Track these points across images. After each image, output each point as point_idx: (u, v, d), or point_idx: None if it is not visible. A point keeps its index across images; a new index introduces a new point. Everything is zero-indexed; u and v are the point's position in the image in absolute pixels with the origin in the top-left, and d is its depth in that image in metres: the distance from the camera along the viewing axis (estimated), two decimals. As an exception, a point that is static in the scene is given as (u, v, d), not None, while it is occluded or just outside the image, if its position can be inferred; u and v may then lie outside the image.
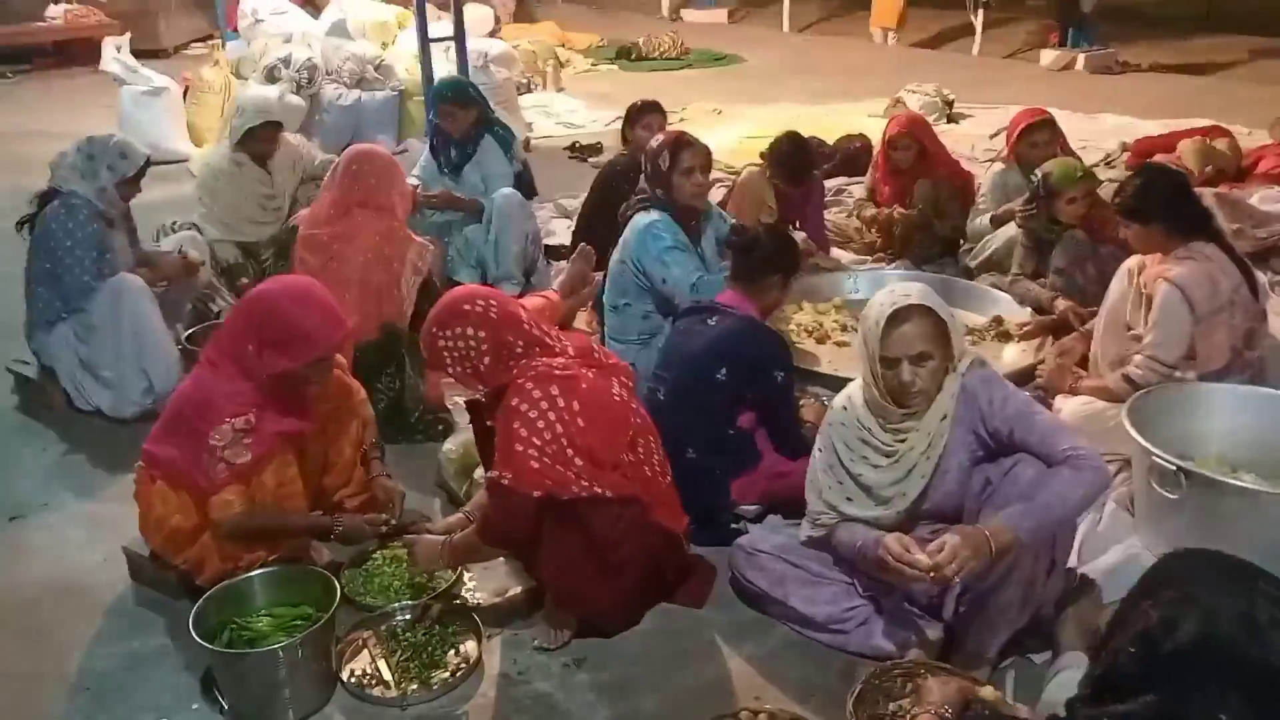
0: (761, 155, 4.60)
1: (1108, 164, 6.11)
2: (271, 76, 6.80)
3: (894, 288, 2.31)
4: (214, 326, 3.78)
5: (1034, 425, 2.23)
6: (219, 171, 4.41)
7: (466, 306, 2.34)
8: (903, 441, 2.30)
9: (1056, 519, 2.15)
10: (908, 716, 2.00)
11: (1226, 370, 3.03)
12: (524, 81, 9.03)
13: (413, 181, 4.37)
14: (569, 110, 8.68)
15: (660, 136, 3.49)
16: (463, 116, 4.47)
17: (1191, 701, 1.14)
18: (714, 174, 5.59)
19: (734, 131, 7.69)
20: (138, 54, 7.77)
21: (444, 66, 6.99)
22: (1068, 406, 3.22)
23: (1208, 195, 4.75)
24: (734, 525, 2.79)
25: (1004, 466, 2.22)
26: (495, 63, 7.56)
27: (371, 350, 3.29)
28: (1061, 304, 3.77)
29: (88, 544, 2.89)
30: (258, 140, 4.31)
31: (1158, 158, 5.65)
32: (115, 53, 7.11)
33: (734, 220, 3.73)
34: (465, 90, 4.55)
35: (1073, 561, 2.55)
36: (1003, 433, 2.24)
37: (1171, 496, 2.54)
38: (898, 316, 2.20)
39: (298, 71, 6.81)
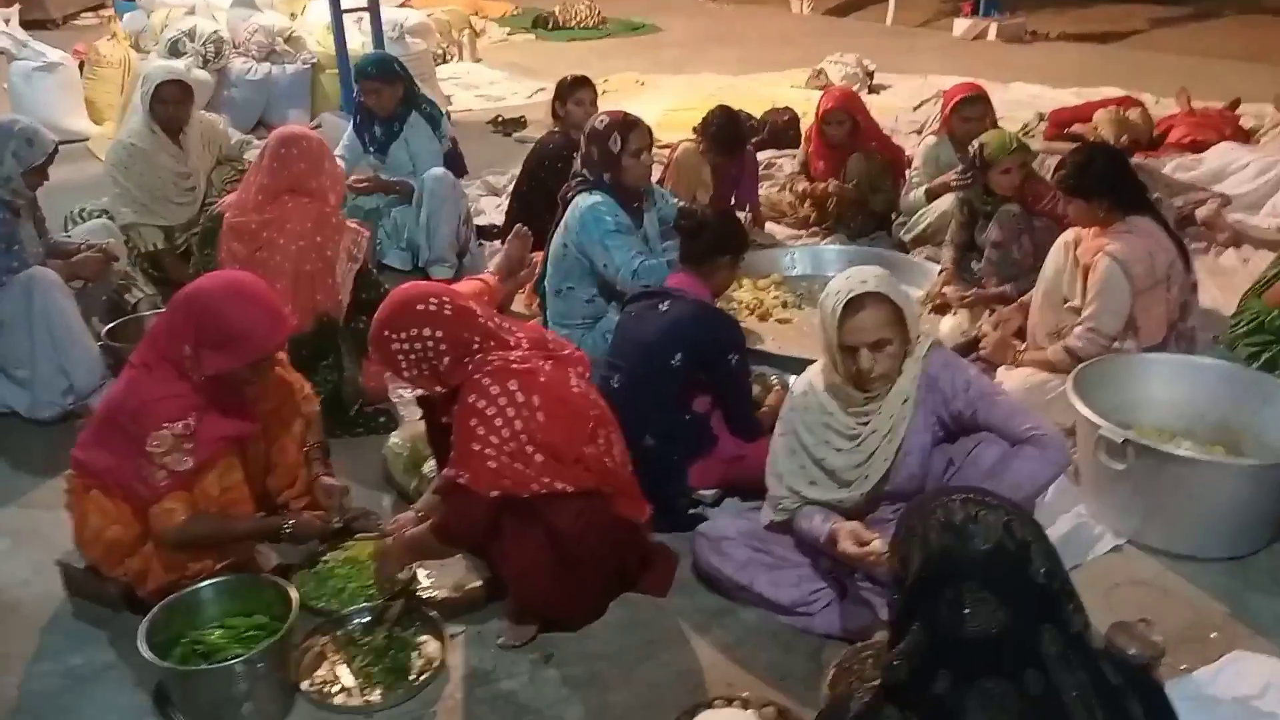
0: (695, 130, 4.56)
1: (1026, 134, 6.18)
2: (175, 50, 6.47)
3: (849, 274, 2.31)
4: (134, 321, 3.62)
5: (997, 406, 2.27)
6: (131, 149, 4.14)
7: (420, 306, 2.25)
8: (865, 424, 2.32)
9: (1023, 498, 2.18)
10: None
11: (1164, 342, 3.14)
12: (439, 52, 8.81)
13: (338, 162, 4.21)
14: (489, 82, 8.52)
15: (605, 117, 3.41)
16: (388, 94, 4.33)
17: (940, 611, 1.30)
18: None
19: (657, 104, 7.63)
20: (23, 25, 7.32)
21: (357, 38, 6.78)
22: (1010, 378, 3.28)
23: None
24: (693, 511, 2.78)
25: (965, 447, 2.27)
26: (411, 34, 7.36)
27: (307, 343, 3.16)
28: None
29: (12, 556, 2.72)
30: (165, 103, 4.06)
31: (1074, 128, 5.82)
32: (3, 25, 6.67)
33: (676, 200, 3.70)
34: (390, 66, 4.41)
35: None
36: (965, 414, 2.27)
37: (1118, 467, 2.62)
38: (854, 304, 2.21)
39: (203, 45, 6.49)
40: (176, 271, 4.09)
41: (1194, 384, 2.95)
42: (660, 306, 2.85)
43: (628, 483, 2.46)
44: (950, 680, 1.30)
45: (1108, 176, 3.13)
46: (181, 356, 2.33)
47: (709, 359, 2.78)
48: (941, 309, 3.98)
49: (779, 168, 5.71)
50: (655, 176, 4.63)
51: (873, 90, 7.83)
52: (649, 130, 3.41)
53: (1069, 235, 3.31)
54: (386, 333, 2.27)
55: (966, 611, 1.29)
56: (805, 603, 2.40)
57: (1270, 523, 2.64)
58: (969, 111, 4.36)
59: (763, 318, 4.04)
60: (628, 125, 3.32)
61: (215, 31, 6.62)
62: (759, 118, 6.29)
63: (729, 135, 4.42)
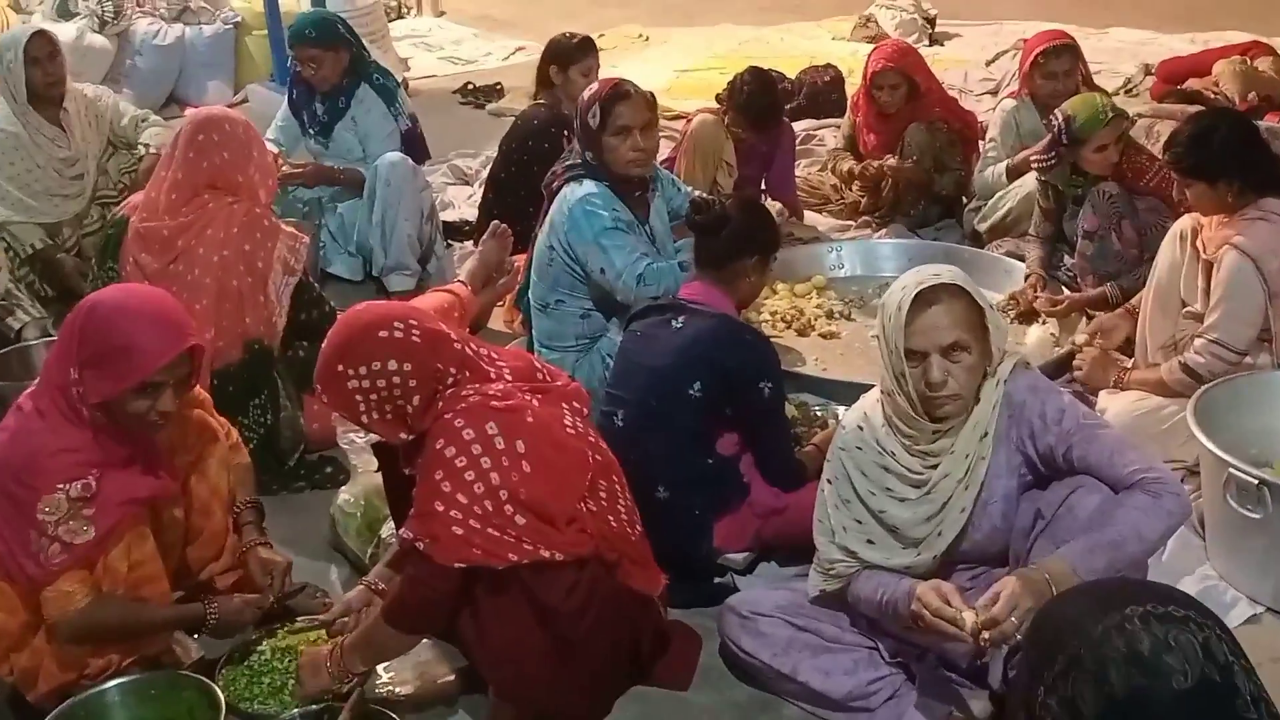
0: (718, 98, 4.60)
1: (1128, 92, 6.27)
2: (64, 10, 6.60)
3: (919, 268, 2.34)
4: (17, 353, 3.65)
5: (1097, 442, 2.27)
6: (1, 135, 4.25)
7: (382, 333, 2.27)
8: (934, 468, 2.33)
9: (1130, 557, 2.20)
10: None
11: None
12: (393, 5, 8.90)
13: (269, 148, 4.26)
14: (453, 42, 8.62)
15: (594, 85, 3.46)
16: (330, 63, 4.40)
17: None
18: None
19: (666, 64, 7.73)
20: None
21: (291, -10, 6.86)
22: (1113, 404, 3.31)
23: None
24: (720, 579, 2.80)
25: (1059, 494, 2.27)
26: (359, -15, 7.42)
27: (234, 375, 3.21)
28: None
29: None
30: (38, 61, 4.18)
31: (1189, 83, 5.85)
32: None
33: (690, 189, 3.72)
34: (333, 28, 4.47)
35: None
36: (1058, 452, 2.28)
37: (1254, 515, 2.63)
38: (924, 298, 2.22)
39: (99, 4, 6.57)
40: (66, 277, 4.18)
41: (1347, 409, 2.97)
42: (673, 323, 2.87)
43: (637, 546, 2.48)
44: None
45: (1234, 151, 3.15)
46: (69, 386, 2.35)
47: (735, 388, 2.80)
48: (1027, 317, 4.00)
49: (820, 141, 5.77)
50: (665, 155, 4.71)
51: (935, 41, 7.88)
52: (646, 102, 3.42)
53: (1185, 224, 3.33)
54: (341, 367, 2.28)
55: None
56: (863, 695, 2.42)
57: None
58: (1054, 65, 4.41)
59: (802, 332, 4.07)
60: (612, 96, 3.35)
61: (114, -15, 6.71)
62: (793, 79, 6.34)
63: (762, 105, 4.47)
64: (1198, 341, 3.16)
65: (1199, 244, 3.25)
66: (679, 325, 2.86)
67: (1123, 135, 3.85)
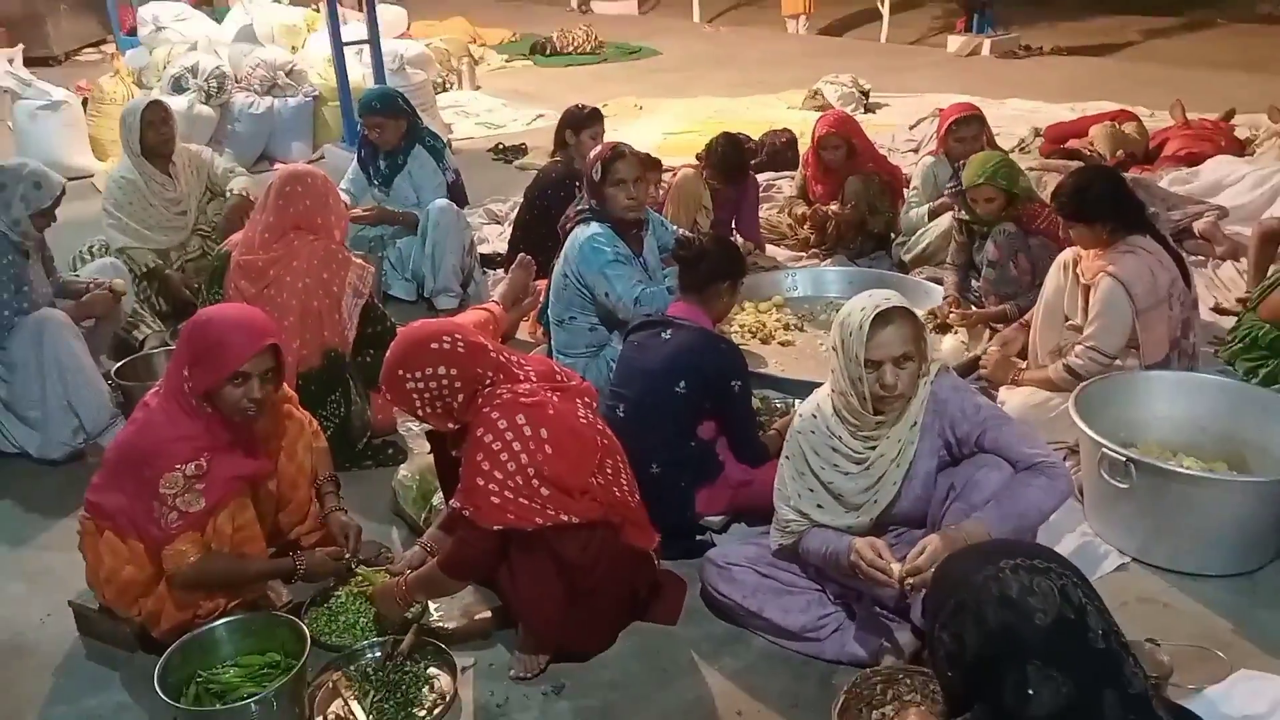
0: (697, 156, 4.61)
1: (1022, 150, 6.25)
2: (178, 86, 6.55)
3: (871, 292, 2.32)
4: (142, 359, 3.66)
5: (1006, 431, 2.28)
6: (123, 183, 4.27)
7: (434, 345, 2.27)
8: (873, 449, 2.33)
9: (1030, 525, 2.21)
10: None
11: (1166, 360, 3.15)
12: (439, 81, 8.88)
13: (342, 196, 4.25)
14: (487, 110, 8.58)
15: (601, 148, 3.45)
16: (392, 128, 4.38)
17: (1004, 692, 1.28)
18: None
19: (656, 127, 7.72)
20: (26, 62, 7.40)
21: (358, 70, 6.85)
22: (1012, 398, 3.31)
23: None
24: (701, 537, 2.79)
25: (967, 472, 2.27)
26: (411, 64, 7.43)
27: (315, 377, 3.19)
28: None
29: (27, 598, 2.74)
30: (153, 125, 4.19)
31: (1070, 143, 5.86)
32: (8, 65, 6.74)
33: (675, 228, 3.72)
34: (394, 101, 4.44)
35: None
36: (972, 438, 2.28)
37: (1122, 485, 2.63)
38: (881, 318, 2.22)
39: (206, 80, 6.56)
40: (175, 290, 4.21)
41: (1196, 400, 2.96)
42: (663, 335, 2.87)
43: (636, 512, 2.47)
44: None
45: (1107, 199, 3.15)
46: (181, 384, 2.35)
47: (712, 386, 2.79)
48: (943, 329, 3.99)
49: (778, 189, 5.75)
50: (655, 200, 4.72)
51: (869, 109, 7.86)
52: (640, 161, 3.43)
53: (1067, 255, 3.33)
54: (401, 372, 2.28)
55: (1031, 693, 1.28)
56: (814, 628, 2.41)
57: (1276, 538, 2.65)
58: (963, 132, 4.40)
59: (765, 340, 4.05)
60: (612, 156, 3.35)
61: (218, 66, 6.69)
62: (757, 140, 6.33)
63: (732, 162, 4.46)
64: (1078, 348, 3.17)
65: (1079, 271, 3.26)
66: (667, 337, 2.86)
67: (1004, 192, 3.81)
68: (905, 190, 4.77)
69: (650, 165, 3.49)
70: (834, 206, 4.72)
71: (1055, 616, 1.30)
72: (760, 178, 5.80)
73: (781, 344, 4.04)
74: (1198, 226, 4.69)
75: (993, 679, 1.30)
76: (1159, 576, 2.64)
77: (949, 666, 1.39)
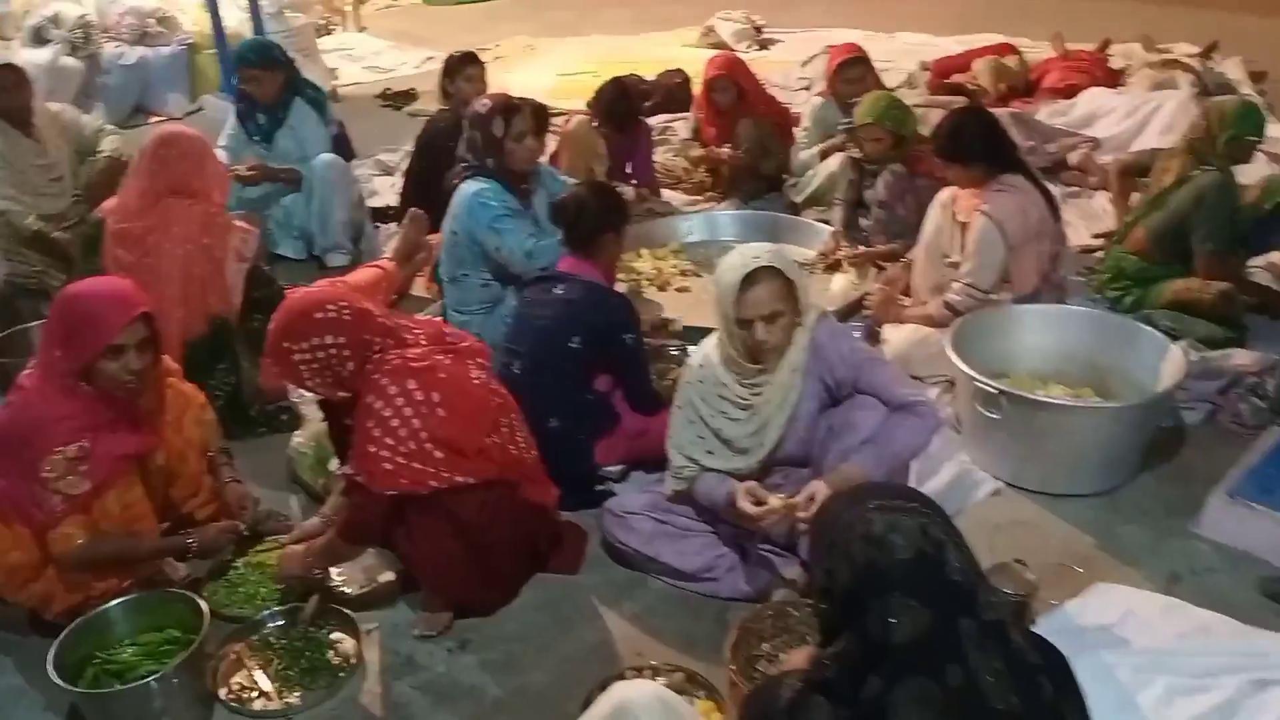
0: (588, 104, 4.58)
1: (910, 86, 6.33)
2: (39, 38, 6.20)
3: (743, 249, 2.39)
4: (21, 332, 3.51)
5: (879, 373, 2.40)
6: None
7: (319, 314, 2.25)
8: (758, 395, 2.41)
9: (904, 461, 2.36)
10: (780, 656, 2.16)
11: (1036, 293, 3.31)
12: (321, 23, 8.57)
13: (220, 154, 4.13)
14: (374, 53, 8.32)
15: (487, 100, 3.41)
16: (269, 81, 4.24)
17: (869, 623, 1.38)
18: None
19: (550, 68, 7.60)
20: None
21: (234, 15, 6.56)
22: (895, 335, 3.43)
23: (1004, 115, 5.09)
24: (600, 488, 2.85)
25: (844, 414, 2.37)
26: (291, 8, 7.15)
27: (202, 346, 3.13)
28: None
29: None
30: (2, 90, 3.97)
31: (955, 78, 5.98)
32: None
33: (567, 180, 3.72)
34: (270, 52, 4.30)
35: (912, 483, 2.78)
36: (848, 381, 2.39)
37: (993, 416, 2.78)
38: (749, 279, 2.29)
39: (70, 31, 6.21)
40: (65, 249, 3.98)
41: (1063, 331, 3.13)
42: (555, 290, 2.90)
43: (533, 467, 2.52)
44: (879, 683, 1.37)
45: (979, 140, 3.28)
46: (54, 363, 2.30)
47: (604, 339, 2.84)
48: (834, 268, 4.10)
49: (674, 132, 5.72)
50: (551, 149, 4.70)
51: (763, 46, 7.87)
52: (535, 112, 3.40)
53: (944, 195, 3.45)
54: (286, 344, 2.26)
55: (894, 621, 1.37)
56: (709, 569, 2.51)
57: (1136, 457, 2.85)
58: (850, 74, 4.46)
59: (662, 288, 4.10)
60: (511, 109, 3.32)
61: (82, 15, 6.36)
62: (653, 80, 6.30)
63: (620, 110, 4.47)
64: (955, 285, 3.30)
65: (956, 210, 3.39)
66: (559, 292, 2.89)
67: (891, 131, 3.89)
68: (796, 131, 4.82)
69: (541, 115, 3.46)
70: (727, 150, 4.75)
71: (915, 552, 1.40)
72: (655, 120, 5.81)
73: (679, 290, 4.10)
74: (1072, 158, 4.88)
75: (860, 610, 1.40)
76: (1030, 500, 2.81)
77: (824, 600, 1.49)
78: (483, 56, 4.70)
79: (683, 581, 2.54)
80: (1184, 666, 1.93)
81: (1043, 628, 2.09)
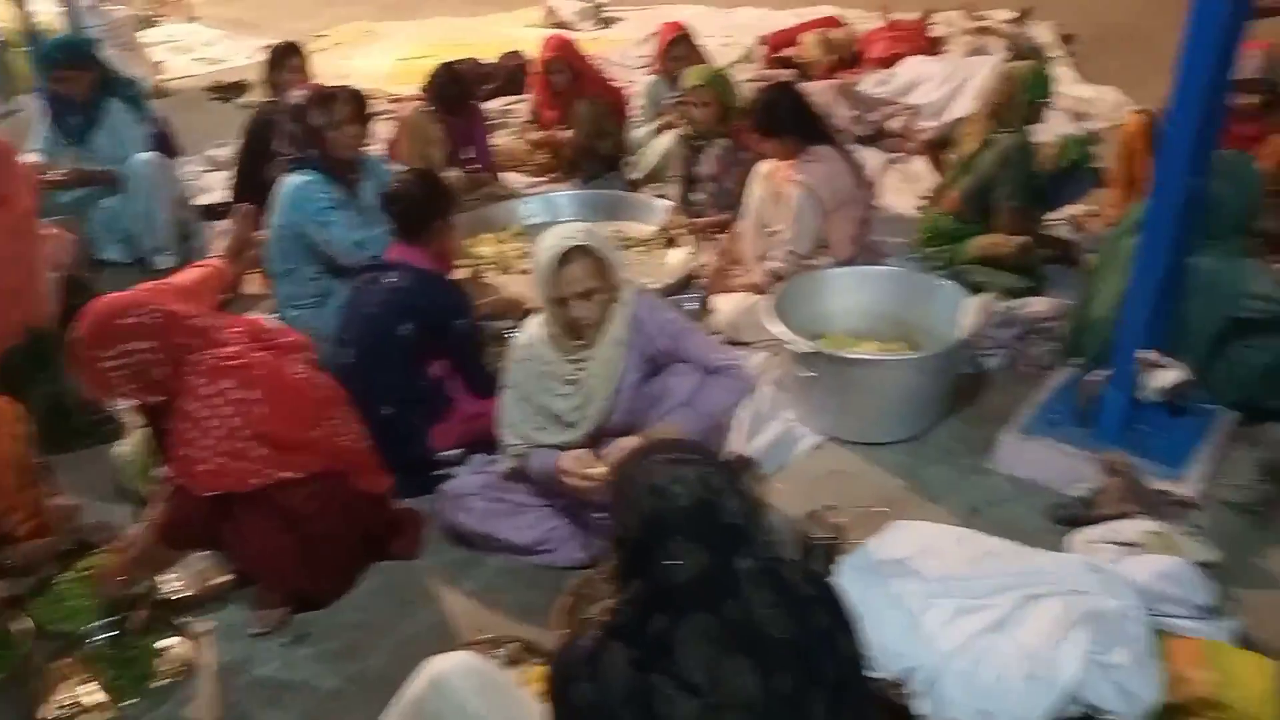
0: (423, 89, 4.57)
1: (748, 60, 6.52)
2: None
3: (557, 230, 2.47)
4: None
5: (693, 341, 2.53)
6: None
7: (123, 321, 2.22)
8: (583, 370, 2.50)
9: (719, 420, 2.50)
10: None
11: (852, 256, 3.50)
12: (147, 14, 8.20)
13: (34, 157, 3.96)
14: (205, 44, 8.03)
15: (303, 91, 3.39)
16: (79, 81, 4.08)
17: (654, 566, 1.49)
18: (380, 105, 5.52)
19: (389, 52, 7.49)
20: None
21: (47, 7, 6.22)
22: (726, 304, 3.58)
23: (830, 88, 5.33)
24: (438, 472, 2.88)
25: (663, 381, 2.49)
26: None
27: (18, 358, 3.04)
28: None
29: None
30: None
31: (785, 52, 6.20)
32: None
33: (393, 166, 3.72)
34: (78, 50, 4.15)
35: (741, 444, 2.94)
36: (668, 351, 2.51)
37: (810, 374, 2.95)
38: (565, 258, 2.37)
39: None
40: None
41: (874, 290, 3.33)
42: (383, 279, 2.92)
43: (363, 457, 2.55)
44: (665, 620, 1.49)
45: (789, 113, 3.44)
46: None
47: (436, 326, 2.88)
48: (672, 242, 4.22)
49: (515, 114, 5.75)
50: (387, 137, 4.68)
51: (605, 24, 7.93)
52: (353, 98, 3.39)
53: (763, 167, 3.61)
54: (93, 352, 2.22)
55: (675, 563, 1.48)
56: (545, 541, 2.61)
57: (939, 403, 3.07)
58: (676, 51, 4.59)
59: (505, 270, 4.14)
60: (326, 98, 3.31)
61: None
62: (494, 62, 6.30)
63: (452, 94, 4.48)
64: (776, 252, 3.48)
65: (773, 182, 3.56)
66: (388, 281, 2.91)
67: (720, 98, 4.01)
68: (631, 110, 4.91)
69: (360, 101, 3.45)
70: (565, 133, 4.80)
71: (695, 500, 1.51)
72: (497, 103, 5.84)
73: (522, 272, 4.12)
74: (893, 125, 5.14)
75: (647, 556, 1.51)
76: (848, 450, 3.00)
77: (618, 549, 1.59)
78: (318, 43, 4.64)
79: (520, 555, 2.62)
80: (968, 589, 2.12)
81: (847, 565, 2.26)
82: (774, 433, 3.05)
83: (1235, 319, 2.77)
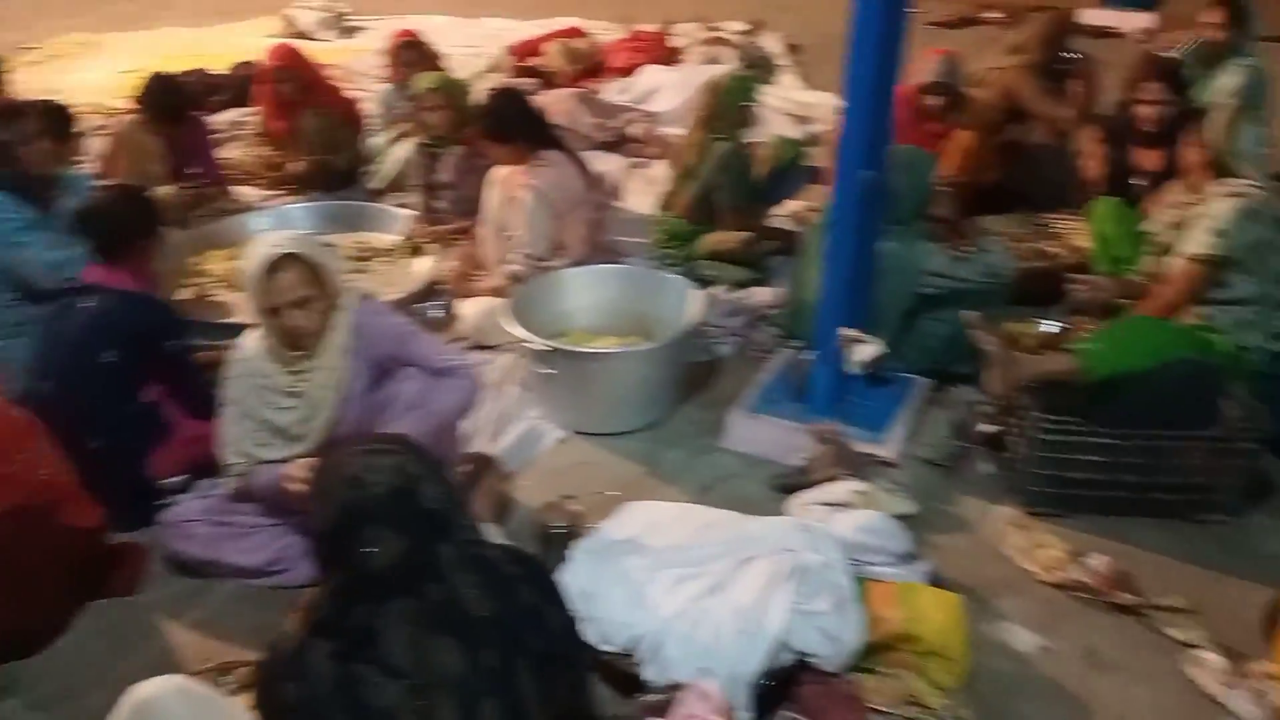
0: (138, 100, 4.32)
1: (495, 70, 6.57)
2: None
3: (266, 239, 2.43)
4: None
5: (418, 344, 2.54)
6: None
7: None
8: (306, 380, 2.46)
9: (449, 421, 2.53)
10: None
11: (588, 256, 3.62)
12: None
13: None
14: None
15: (-8, 105, 3.14)
16: None
17: (351, 555, 1.53)
18: (95, 120, 5.16)
19: (110, 65, 7.00)
20: None
21: None
22: (470, 307, 3.61)
23: (572, 96, 5.48)
24: (162, 501, 2.74)
25: (391, 387, 2.50)
26: None
27: None
28: None
29: None
30: None
31: (529, 61, 6.31)
32: None
33: (106, 183, 3.51)
34: None
35: (486, 444, 2.98)
36: (392, 355, 2.51)
37: (550, 371, 3.04)
38: (274, 267, 2.32)
39: None
40: None
41: (610, 287, 3.46)
42: (82, 303, 2.74)
43: (69, 490, 2.40)
44: (366, 608, 1.50)
45: (517, 119, 3.53)
46: None
47: (145, 350, 2.74)
48: (417, 250, 4.20)
49: (248, 126, 5.53)
50: (100, 151, 4.38)
51: (348, 33, 7.77)
52: (46, 113, 3.18)
53: (499, 172, 3.68)
54: None
55: (372, 551, 1.50)
56: (278, 561, 2.53)
57: (674, 391, 3.23)
58: (407, 58, 4.59)
59: (236, 288, 3.98)
60: (14, 113, 3.14)
61: None
62: (226, 73, 6.04)
63: (167, 105, 4.25)
64: (514, 255, 3.55)
65: (507, 186, 3.62)
66: (86, 305, 2.74)
67: (458, 102, 4.07)
68: (367, 120, 4.85)
69: (55, 115, 3.22)
70: (290, 153, 4.66)
71: (390, 488, 1.54)
72: (231, 114, 5.59)
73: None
74: (633, 131, 5.34)
75: (345, 546, 1.53)
76: (590, 442, 3.10)
77: (317, 541, 1.61)
78: (28, 57, 4.28)
79: (252, 579, 2.53)
80: (688, 558, 2.26)
81: (580, 548, 2.35)
82: (519, 431, 3.11)
83: (919, 295, 3.10)
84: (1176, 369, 2.63)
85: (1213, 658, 2.23)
